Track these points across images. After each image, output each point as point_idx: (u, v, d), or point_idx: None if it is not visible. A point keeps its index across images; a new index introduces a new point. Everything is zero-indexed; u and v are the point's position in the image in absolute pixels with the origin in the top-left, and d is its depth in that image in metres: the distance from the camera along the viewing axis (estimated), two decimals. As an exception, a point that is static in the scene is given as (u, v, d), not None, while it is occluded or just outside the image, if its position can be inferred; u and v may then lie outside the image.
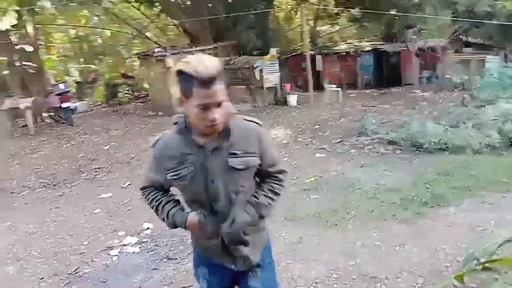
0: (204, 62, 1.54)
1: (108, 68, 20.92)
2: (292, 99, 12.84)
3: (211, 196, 1.70)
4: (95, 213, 5.48)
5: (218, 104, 1.57)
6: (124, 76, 18.86)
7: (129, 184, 6.60)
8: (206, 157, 1.67)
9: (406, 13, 12.91)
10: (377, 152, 7.14)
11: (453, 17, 12.86)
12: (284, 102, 12.82)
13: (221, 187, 1.69)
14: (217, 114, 1.57)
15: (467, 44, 15.35)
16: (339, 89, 13.61)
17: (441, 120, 7.99)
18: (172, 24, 17.53)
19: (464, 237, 3.74)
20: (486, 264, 1.49)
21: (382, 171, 6.02)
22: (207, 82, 1.52)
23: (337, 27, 21.57)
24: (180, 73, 1.57)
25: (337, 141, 8.12)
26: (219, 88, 1.55)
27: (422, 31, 14.09)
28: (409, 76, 16.06)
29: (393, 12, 13.70)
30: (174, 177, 1.69)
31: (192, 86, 1.54)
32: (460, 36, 14.77)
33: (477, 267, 1.50)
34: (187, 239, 4.35)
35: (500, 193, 4.82)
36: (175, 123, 1.72)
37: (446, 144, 6.76)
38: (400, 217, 4.34)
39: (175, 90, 1.60)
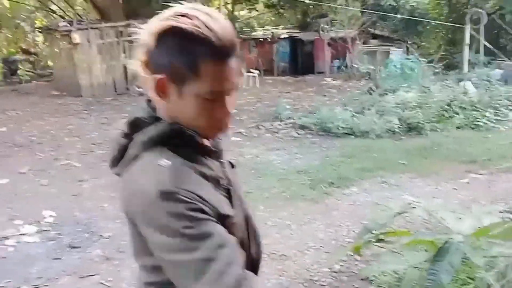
0: (218, 20, 0.89)
1: (7, 42, 18.96)
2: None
3: (250, 228, 1.10)
4: (-12, 201, 4.97)
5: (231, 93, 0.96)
6: (25, 51, 17.25)
7: (29, 169, 6.07)
8: (222, 164, 1.06)
9: (320, 2, 13.37)
10: (290, 136, 7.38)
11: (362, 9, 13.57)
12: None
13: (251, 214, 1.11)
14: (231, 108, 0.96)
15: (374, 36, 16.34)
16: (256, 75, 13.76)
17: (348, 107, 8.44)
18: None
19: (365, 214, 4.00)
20: (380, 236, 1.59)
21: (294, 154, 6.23)
22: (226, 53, 0.89)
23: (255, 13, 21.71)
24: (171, 33, 0.88)
25: (253, 125, 8.23)
26: (237, 65, 0.93)
27: (334, 21, 14.71)
28: (321, 65, 16.71)
29: (307, 0, 14.10)
30: (223, 212, 0.94)
31: (198, 59, 0.88)
32: (368, 28, 15.65)
33: (371, 239, 1.59)
34: (93, 226, 4.14)
35: (397, 173, 5.24)
36: (173, 130, 0.94)
37: (352, 129, 7.18)
38: (309, 197, 4.53)
39: (140, 65, 0.94)
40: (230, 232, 0.92)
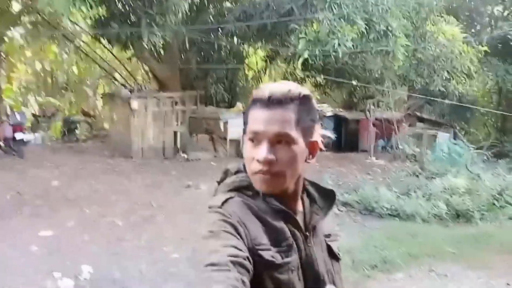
0: (281, 83, 1.07)
1: (70, 104, 20.51)
2: (253, 153, 12.97)
3: None
4: (32, 251, 5.12)
5: (280, 141, 1.01)
6: (85, 113, 18.49)
7: (74, 224, 6.26)
8: (307, 240, 1.06)
9: (367, 84, 13.69)
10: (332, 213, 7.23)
11: (409, 93, 13.73)
12: (245, 156, 12.92)
13: None
14: (268, 153, 1.00)
15: (420, 120, 16.30)
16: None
17: (393, 187, 8.25)
18: (142, 68, 17.66)
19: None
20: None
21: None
22: (265, 101, 1.02)
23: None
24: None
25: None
26: (285, 115, 1.01)
27: (380, 102, 14.91)
28: (365, 143, 16.69)
29: (354, 82, 14.50)
30: (272, 259, 0.98)
31: (250, 109, 1.06)
32: (415, 112, 15.70)
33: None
34: (130, 287, 4.13)
35: (446, 262, 4.95)
36: (243, 181, 1.08)
37: (397, 210, 6.96)
38: (350, 279, 4.34)
39: None
40: (266, 280, 0.97)
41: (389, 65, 11.51)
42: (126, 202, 7.48)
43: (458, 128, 15.51)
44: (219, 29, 12.25)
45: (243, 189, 1.07)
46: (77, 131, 16.40)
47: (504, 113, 13.66)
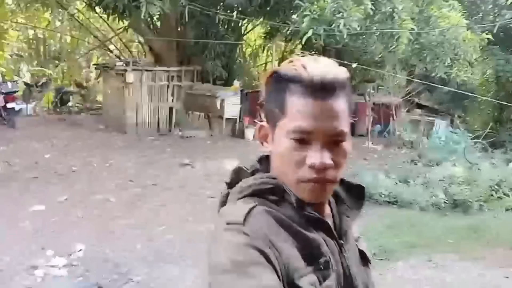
0: (321, 61, 0.85)
1: (63, 74, 20.08)
2: (250, 132, 12.80)
3: None
4: (23, 227, 4.97)
5: (335, 141, 0.84)
6: (78, 85, 18.12)
7: (66, 199, 6.11)
8: (339, 247, 0.89)
9: (367, 67, 13.48)
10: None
11: (409, 78, 13.57)
12: (241, 135, 12.74)
13: None
14: (326, 157, 0.82)
15: (419, 106, 16.19)
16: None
17: (391, 174, 8.17)
18: (138, 41, 17.24)
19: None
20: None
21: (333, 217, 5.99)
22: (314, 87, 0.81)
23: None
24: (273, 78, 0.87)
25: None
26: (339, 107, 0.83)
27: (379, 87, 14.74)
28: (362, 128, 16.58)
29: (354, 65, 14.29)
30: (294, 274, 0.79)
31: (286, 95, 0.83)
32: (413, 98, 15.57)
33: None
34: (123, 267, 4.02)
35: (445, 253, 4.90)
36: (265, 183, 0.87)
37: (395, 198, 6.88)
38: (349, 267, 4.26)
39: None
40: None
41: (392, 48, 11.31)
42: (119, 179, 7.33)
43: (456, 116, 15.44)
44: (221, 2, 11.90)
45: (265, 193, 0.86)
46: (70, 103, 16.09)
47: (502, 102, 13.58)
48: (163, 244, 4.77)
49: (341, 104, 0.84)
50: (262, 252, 0.76)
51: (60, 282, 3.66)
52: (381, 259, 4.50)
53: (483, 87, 16.86)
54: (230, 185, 0.92)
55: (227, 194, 0.92)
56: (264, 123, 0.90)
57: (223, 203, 0.91)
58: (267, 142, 0.89)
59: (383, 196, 6.84)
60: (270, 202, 0.85)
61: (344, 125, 0.84)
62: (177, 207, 6.12)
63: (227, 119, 12.74)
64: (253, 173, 0.91)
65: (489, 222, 6.26)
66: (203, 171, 8.41)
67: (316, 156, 0.81)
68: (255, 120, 16.00)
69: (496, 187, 7.52)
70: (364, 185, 0.97)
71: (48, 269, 3.89)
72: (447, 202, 6.83)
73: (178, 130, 11.80)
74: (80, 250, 4.38)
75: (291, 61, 0.87)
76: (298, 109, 0.81)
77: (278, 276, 0.76)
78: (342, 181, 0.93)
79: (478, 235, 5.75)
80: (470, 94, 14.15)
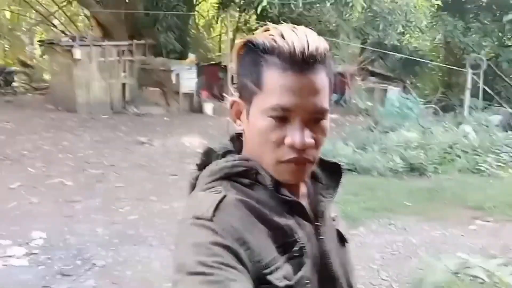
0: (301, 31, 0.77)
1: (4, 53, 18.80)
2: (208, 107, 12.61)
3: None
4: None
5: (315, 118, 0.78)
6: (22, 63, 17.04)
7: (19, 185, 5.79)
8: (318, 231, 0.84)
9: (321, 37, 13.52)
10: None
11: (363, 46, 13.75)
12: (200, 110, 12.53)
13: (345, 286, 0.88)
14: (307, 136, 0.77)
15: (372, 74, 16.52)
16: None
17: (349, 142, 8.34)
18: (84, 14, 16.34)
19: (376, 259, 3.81)
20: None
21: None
22: (300, 62, 0.74)
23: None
24: (246, 49, 0.79)
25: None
26: (323, 83, 0.77)
27: (334, 56, 14.85)
28: (319, 97, 16.80)
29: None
30: (291, 282, 0.75)
31: (263, 68, 0.76)
32: (367, 66, 15.84)
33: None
34: (86, 253, 3.88)
35: (404, 215, 5.09)
36: (237, 166, 0.81)
37: (354, 165, 7.05)
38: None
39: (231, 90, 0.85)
40: None
41: (346, 17, 11.35)
42: (74, 161, 7.03)
43: (408, 82, 15.89)
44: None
45: (237, 176, 0.80)
46: (14, 84, 15.16)
47: (451, 67, 14.11)
48: (127, 225, 4.65)
49: (322, 78, 0.77)
50: (231, 251, 0.70)
51: (20, 272, 3.49)
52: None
53: (434, 53, 17.42)
54: (200, 167, 0.86)
55: (197, 177, 0.85)
56: (237, 98, 0.82)
57: (193, 186, 0.85)
58: (240, 120, 0.83)
59: (342, 163, 6.97)
60: (243, 185, 0.79)
61: (325, 102, 0.78)
62: (138, 186, 5.97)
63: (183, 93, 12.46)
64: (224, 155, 0.84)
65: (445, 184, 6.56)
66: (162, 148, 8.23)
67: (296, 135, 0.75)
68: (214, 94, 15.80)
69: (449, 149, 7.86)
70: (340, 163, 0.93)
71: (6, 260, 3.69)
72: (403, 166, 7.07)
73: (133, 107, 11.43)
74: (40, 237, 4.18)
75: (267, 30, 0.79)
76: (276, 85, 0.75)
77: (247, 275, 0.70)
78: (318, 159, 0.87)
79: (435, 196, 6.01)
80: (421, 60, 14.58)
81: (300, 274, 0.76)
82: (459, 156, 7.62)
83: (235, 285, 0.67)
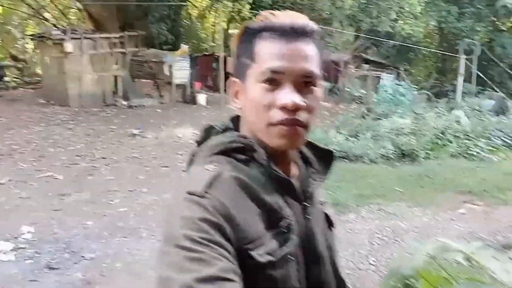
0: (292, 12, 0.85)
1: (-5, 47, 18.66)
2: (201, 98, 12.56)
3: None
4: (-38, 213, 4.66)
5: (306, 83, 0.81)
6: (14, 58, 16.92)
7: (9, 180, 5.77)
8: (306, 212, 0.86)
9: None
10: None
11: (356, 34, 13.67)
12: (193, 101, 12.49)
13: (330, 277, 0.90)
14: (298, 98, 0.79)
15: (366, 61, 16.47)
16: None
17: (342, 130, 8.34)
18: (75, 7, 16.18)
19: (365, 244, 3.82)
20: (410, 282, 1.41)
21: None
22: (284, 31, 0.80)
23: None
24: (244, 34, 0.85)
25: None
26: (312, 51, 0.81)
27: (328, 44, 14.78)
28: (313, 87, 16.74)
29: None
30: (273, 258, 0.77)
31: (256, 42, 0.81)
32: (361, 53, 15.78)
33: (398, 285, 1.41)
34: (74, 246, 3.87)
35: (395, 201, 5.10)
36: (235, 142, 0.84)
37: (346, 152, 7.05)
38: (304, 223, 4.34)
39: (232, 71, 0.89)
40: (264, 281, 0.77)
41: (339, 4, 11.26)
42: (65, 154, 7.01)
43: (401, 69, 15.85)
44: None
45: (234, 152, 0.83)
46: (6, 78, 15.05)
47: (445, 53, 14.06)
48: (117, 217, 4.64)
49: (310, 48, 0.82)
50: (219, 228, 0.72)
51: (7, 267, 3.48)
52: (334, 213, 4.61)
53: (427, 39, 17.35)
54: (199, 143, 0.89)
55: (195, 153, 0.89)
56: (235, 78, 0.87)
57: (191, 161, 0.88)
58: (238, 99, 0.86)
59: (334, 152, 6.97)
60: (238, 161, 0.82)
61: (315, 67, 0.81)
62: (130, 179, 5.96)
63: (176, 85, 12.40)
64: (223, 132, 0.88)
65: (436, 169, 6.58)
66: (154, 140, 8.20)
67: (287, 96, 0.78)
68: (207, 84, 15.70)
69: (440, 135, 7.87)
70: (333, 150, 0.96)
71: (-7, 255, 3.68)
72: (395, 153, 7.08)
73: (126, 99, 11.37)
74: (28, 232, 4.17)
75: (262, 15, 0.85)
76: (267, 52, 0.80)
77: (234, 253, 0.73)
78: (311, 145, 0.93)
79: (426, 182, 6.03)
80: (414, 46, 14.54)
81: (285, 250, 0.78)
82: (450, 142, 7.63)
83: (219, 264, 0.69)
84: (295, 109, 0.78)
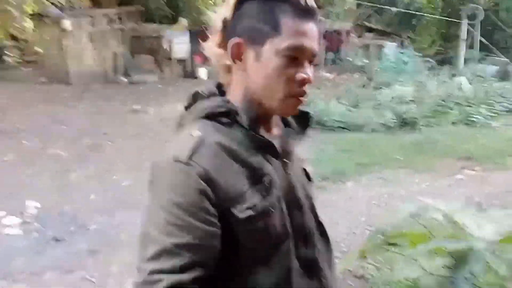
0: None
1: (-6, 27, 18.50)
2: (202, 72, 12.50)
3: (303, 241, 0.94)
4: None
5: (312, 60, 0.90)
6: (14, 38, 16.81)
7: (14, 158, 5.87)
8: (286, 168, 0.94)
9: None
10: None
11: (358, 1, 13.41)
12: (194, 75, 12.44)
13: (312, 222, 0.97)
14: (312, 74, 0.89)
15: (369, 30, 16.20)
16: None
17: (343, 100, 8.32)
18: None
19: (363, 211, 3.90)
20: (392, 239, 1.47)
21: (288, 147, 6.10)
22: (302, 9, 0.86)
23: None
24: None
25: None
26: (317, 30, 0.90)
27: (329, 13, 14.53)
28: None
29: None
30: (253, 212, 0.83)
31: (280, 14, 0.86)
32: (364, 22, 15.53)
33: (383, 243, 1.47)
34: (79, 219, 3.99)
35: (394, 169, 5.15)
36: (220, 106, 0.89)
37: (347, 122, 7.07)
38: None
39: (214, 40, 0.94)
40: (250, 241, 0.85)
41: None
42: (68, 132, 7.08)
43: (405, 37, 15.60)
44: None
45: (219, 116, 0.89)
46: (6, 58, 15.01)
47: (449, 19, 13.80)
48: (121, 191, 4.74)
49: (318, 28, 0.91)
50: (204, 194, 0.80)
51: (15, 241, 3.60)
52: (333, 182, 4.68)
53: (431, 5, 16.96)
54: (187, 108, 0.95)
55: (184, 116, 0.95)
56: (240, 40, 0.88)
57: (179, 124, 0.94)
58: (242, 61, 0.89)
59: (335, 122, 7.00)
60: (223, 124, 0.88)
61: (317, 48, 0.91)
62: (133, 154, 6.03)
63: (177, 60, 12.34)
64: (209, 97, 0.93)
65: (436, 136, 6.59)
66: (156, 116, 8.24)
67: (307, 71, 0.88)
68: (207, 58, 15.55)
69: (442, 102, 7.85)
70: (310, 112, 1.02)
71: (1, 229, 3.80)
72: (396, 121, 7.08)
73: (126, 75, 11.35)
74: (34, 207, 4.28)
75: None
76: (292, 29, 0.86)
77: (217, 218, 0.81)
78: None
79: (425, 149, 6.06)
80: (417, 13, 14.26)
81: (267, 201, 0.86)
82: (451, 109, 7.61)
83: (204, 227, 0.79)
84: (308, 84, 0.89)
